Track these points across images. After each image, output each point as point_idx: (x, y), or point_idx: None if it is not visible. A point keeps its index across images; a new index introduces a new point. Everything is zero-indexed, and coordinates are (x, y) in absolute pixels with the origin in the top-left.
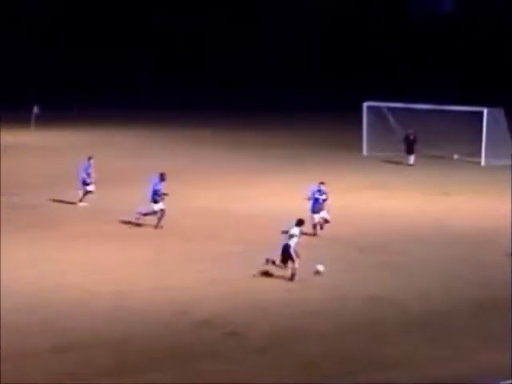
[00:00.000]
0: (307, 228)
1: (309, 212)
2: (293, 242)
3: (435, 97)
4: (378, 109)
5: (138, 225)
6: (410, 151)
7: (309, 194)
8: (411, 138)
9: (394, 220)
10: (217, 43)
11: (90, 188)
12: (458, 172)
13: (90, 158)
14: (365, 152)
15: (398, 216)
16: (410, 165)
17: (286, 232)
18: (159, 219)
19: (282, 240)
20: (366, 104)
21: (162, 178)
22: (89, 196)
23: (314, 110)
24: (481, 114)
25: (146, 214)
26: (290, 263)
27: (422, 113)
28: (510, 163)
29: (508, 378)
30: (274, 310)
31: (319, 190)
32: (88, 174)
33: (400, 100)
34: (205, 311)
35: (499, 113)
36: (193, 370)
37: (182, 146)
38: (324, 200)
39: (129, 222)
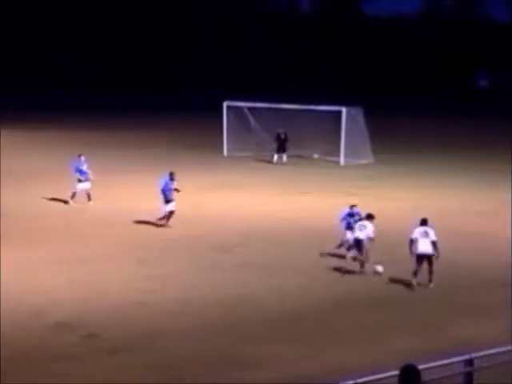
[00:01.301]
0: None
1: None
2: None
3: (295, 97)
4: (239, 109)
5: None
6: (281, 150)
7: (340, 216)
8: (282, 136)
9: (254, 220)
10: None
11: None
12: (317, 171)
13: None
14: (225, 152)
15: (257, 215)
16: (283, 163)
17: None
18: (168, 218)
19: None
20: (226, 103)
21: (172, 177)
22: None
23: (173, 110)
24: (339, 113)
25: (163, 218)
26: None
27: (282, 113)
28: (368, 161)
29: (366, 375)
30: (132, 312)
31: (351, 214)
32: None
33: (260, 100)
34: (62, 313)
35: (357, 112)
36: (48, 372)
37: (38, 147)
38: (356, 221)
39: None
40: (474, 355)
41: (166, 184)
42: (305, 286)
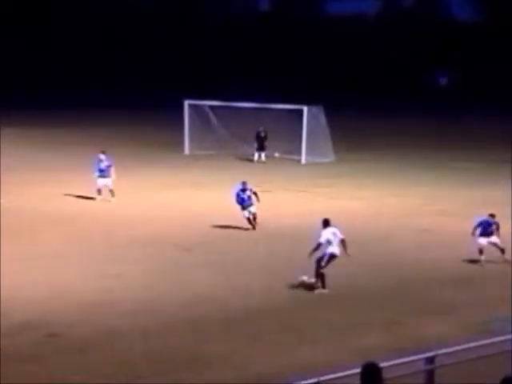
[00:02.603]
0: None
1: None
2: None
3: (255, 95)
4: (199, 107)
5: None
6: (261, 148)
7: (475, 223)
8: (262, 134)
9: (215, 218)
10: None
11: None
12: (278, 170)
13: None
14: (187, 151)
15: (218, 214)
16: (263, 162)
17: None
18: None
19: None
20: (186, 102)
21: (244, 187)
22: None
23: (133, 108)
24: (301, 111)
25: (251, 220)
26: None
27: (243, 111)
28: (329, 160)
29: (328, 373)
30: (94, 311)
31: (488, 222)
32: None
33: (221, 98)
34: (25, 313)
35: (319, 110)
36: (10, 372)
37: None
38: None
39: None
40: (435, 353)
41: (239, 194)
42: (266, 285)
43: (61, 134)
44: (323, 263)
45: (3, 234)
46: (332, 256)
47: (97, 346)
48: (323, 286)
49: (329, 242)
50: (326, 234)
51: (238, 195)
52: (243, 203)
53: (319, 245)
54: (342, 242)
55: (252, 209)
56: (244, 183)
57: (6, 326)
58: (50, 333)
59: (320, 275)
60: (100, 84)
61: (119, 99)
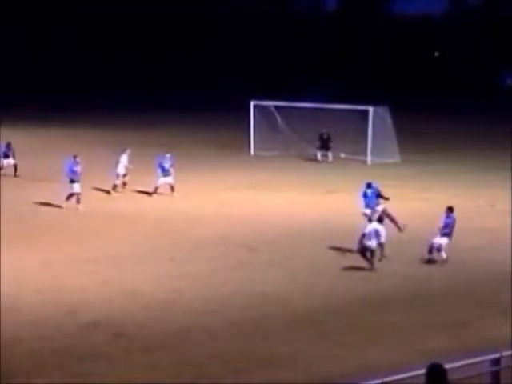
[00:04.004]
0: None
1: None
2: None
3: (321, 95)
4: (265, 108)
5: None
6: (324, 148)
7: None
8: (324, 136)
9: (281, 219)
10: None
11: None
12: (343, 170)
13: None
14: (252, 151)
15: (284, 215)
16: (328, 162)
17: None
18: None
19: None
20: (252, 103)
21: (380, 195)
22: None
23: (198, 109)
24: (366, 112)
25: (394, 221)
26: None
27: (309, 112)
28: (394, 161)
29: (393, 374)
30: (162, 311)
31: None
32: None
33: (286, 99)
34: (94, 312)
35: (384, 111)
36: (78, 371)
37: (68, 147)
38: None
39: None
40: (501, 354)
41: (367, 195)
42: (331, 285)
43: (125, 135)
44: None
45: (72, 235)
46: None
47: (164, 346)
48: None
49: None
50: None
51: (364, 195)
52: (368, 203)
53: (363, 236)
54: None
55: (379, 208)
56: (370, 184)
57: (75, 326)
58: (118, 332)
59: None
60: (165, 85)
61: (184, 100)
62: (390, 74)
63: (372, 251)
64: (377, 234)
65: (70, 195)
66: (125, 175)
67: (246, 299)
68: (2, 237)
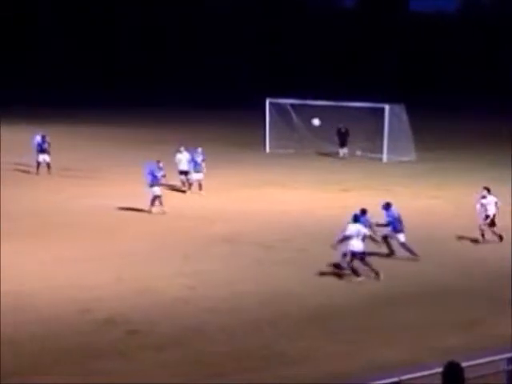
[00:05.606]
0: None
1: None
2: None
3: (337, 93)
4: (281, 105)
5: None
6: (342, 144)
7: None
8: (342, 130)
9: (295, 216)
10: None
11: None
12: (359, 168)
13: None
14: (267, 149)
15: (299, 212)
16: (344, 158)
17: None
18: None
19: None
20: (268, 100)
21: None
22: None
23: (212, 107)
24: (382, 110)
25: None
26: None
27: (323, 109)
28: (410, 159)
29: (409, 372)
30: (175, 308)
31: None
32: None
33: (301, 97)
34: (108, 309)
35: (400, 109)
36: (92, 368)
37: (80, 143)
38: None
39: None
40: None
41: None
42: (344, 283)
43: (141, 133)
44: (347, 261)
45: (88, 232)
46: (353, 254)
47: (177, 343)
48: (357, 275)
49: (352, 237)
50: (352, 228)
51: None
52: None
53: (344, 238)
54: (370, 237)
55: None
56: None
57: (90, 323)
58: (132, 329)
59: (351, 270)
60: (182, 83)
61: (201, 98)
62: (404, 71)
63: (361, 256)
64: (359, 232)
65: (154, 199)
66: (186, 173)
67: (260, 297)
68: (17, 233)
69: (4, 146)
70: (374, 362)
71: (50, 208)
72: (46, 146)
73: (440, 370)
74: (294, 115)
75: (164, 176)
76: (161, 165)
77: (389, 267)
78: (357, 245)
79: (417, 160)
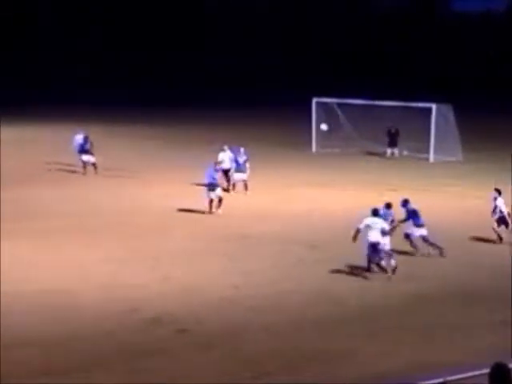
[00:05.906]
0: None
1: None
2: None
3: (382, 92)
4: (327, 105)
5: None
6: (392, 144)
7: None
8: (393, 131)
9: (341, 216)
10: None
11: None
12: (406, 168)
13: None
14: (314, 149)
15: (345, 212)
16: (394, 158)
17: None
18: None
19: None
20: (315, 100)
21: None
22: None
23: (263, 106)
24: (429, 110)
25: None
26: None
27: (370, 109)
28: (457, 159)
29: (451, 374)
30: (222, 307)
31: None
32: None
33: (348, 96)
34: (156, 308)
35: (448, 109)
36: (139, 367)
37: (123, 143)
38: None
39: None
40: None
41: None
42: (386, 283)
43: (186, 132)
44: (369, 254)
45: (137, 232)
46: (371, 245)
47: (223, 342)
48: (384, 271)
49: (368, 227)
50: (366, 221)
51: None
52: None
53: (358, 230)
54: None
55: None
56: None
57: (138, 322)
58: (180, 328)
59: (376, 265)
60: (227, 83)
61: (247, 97)
62: (452, 71)
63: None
64: (374, 225)
65: (211, 201)
66: (228, 171)
67: (304, 296)
68: (65, 231)
69: (35, 146)
70: (414, 361)
71: (101, 207)
72: (88, 146)
73: (486, 371)
74: (340, 114)
75: (217, 178)
76: (217, 167)
77: (419, 265)
78: (373, 235)
79: (464, 160)
